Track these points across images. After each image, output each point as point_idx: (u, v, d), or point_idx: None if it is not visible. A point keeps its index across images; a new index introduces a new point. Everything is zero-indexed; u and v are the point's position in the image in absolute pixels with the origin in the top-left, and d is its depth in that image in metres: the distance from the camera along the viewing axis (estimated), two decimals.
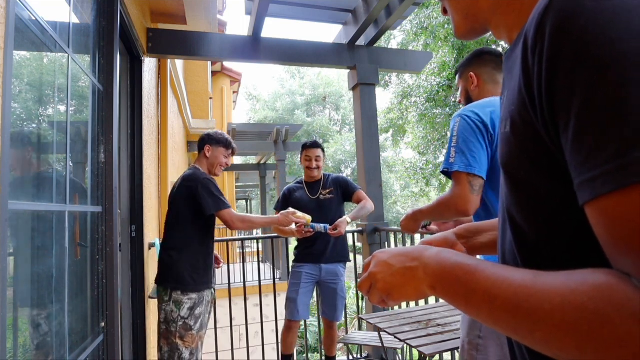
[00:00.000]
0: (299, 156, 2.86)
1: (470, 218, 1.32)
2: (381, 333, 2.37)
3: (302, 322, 2.86)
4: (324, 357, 2.87)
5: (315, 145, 2.73)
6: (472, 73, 1.40)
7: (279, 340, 2.79)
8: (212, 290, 2.22)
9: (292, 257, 2.81)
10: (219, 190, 2.09)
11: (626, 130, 0.30)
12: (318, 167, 2.70)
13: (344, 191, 2.73)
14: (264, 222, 2.28)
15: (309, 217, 2.31)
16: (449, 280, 0.43)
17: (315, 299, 2.93)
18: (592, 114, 0.32)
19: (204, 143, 2.24)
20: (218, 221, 2.17)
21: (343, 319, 3.12)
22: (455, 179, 1.20)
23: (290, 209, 2.29)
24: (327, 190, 2.73)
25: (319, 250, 2.64)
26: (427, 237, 0.76)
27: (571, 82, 0.33)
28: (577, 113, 0.33)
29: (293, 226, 2.47)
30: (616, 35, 0.32)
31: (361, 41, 3.22)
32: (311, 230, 2.47)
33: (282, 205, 2.72)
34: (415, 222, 1.42)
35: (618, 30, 0.32)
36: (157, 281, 2.09)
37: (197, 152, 8.39)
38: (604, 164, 0.31)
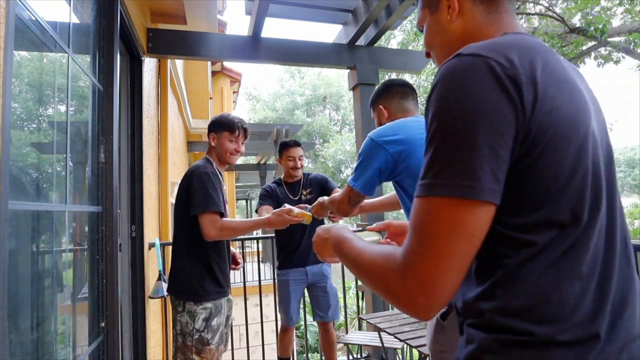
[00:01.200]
0: (277, 157, 2.80)
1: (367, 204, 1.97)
2: (381, 333, 2.37)
3: (302, 323, 2.85)
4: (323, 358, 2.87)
5: (296, 144, 2.69)
6: (381, 106, 1.53)
7: (277, 344, 2.76)
8: (229, 298, 1.98)
9: None
10: (215, 187, 1.79)
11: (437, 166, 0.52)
12: (301, 167, 2.69)
13: (323, 189, 2.70)
14: (250, 226, 1.88)
15: (308, 215, 1.97)
16: (337, 248, 0.72)
17: (308, 299, 2.91)
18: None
19: (208, 132, 1.98)
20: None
21: (343, 318, 3.11)
22: (345, 188, 1.47)
23: (286, 206, 1.97)
24: (308, 190, 2.69)
25: (303, 253, 2.59)
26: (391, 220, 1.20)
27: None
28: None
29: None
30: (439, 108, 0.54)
31: (361, 41, 3.22)
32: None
33: (269, 201, 2.61)
34: (323, 209, 1.79)
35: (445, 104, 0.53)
36: (168, 290, 1.89)
37: (197, 152, 8.30)
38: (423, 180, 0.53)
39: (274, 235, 2.93)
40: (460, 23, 0.68)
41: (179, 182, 1.91)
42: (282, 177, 2.78)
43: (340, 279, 3.36)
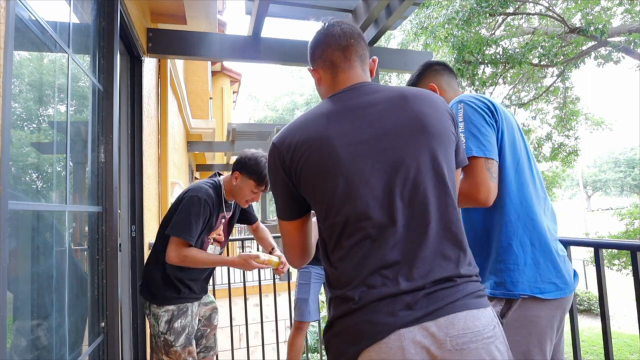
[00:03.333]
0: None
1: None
2: None
3: None
4: (325, 357, 2.87)
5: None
6: (431, 84, 1.36)
7: (287, 345, 2.72)
8: (208, 302, 2.05)
9: None
10: (199, 217, 1.76)
11: None
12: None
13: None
14: (213, 262, 1.82)
15: (275, 260, 1.89)
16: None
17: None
18: None
19: (235, 167, 1.87)
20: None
21: None
22: (472, 166, 1.07)
23: (253, 253, 1.90)
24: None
25: None
26: None
27: None
28: None
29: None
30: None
31: None
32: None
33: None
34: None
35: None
36: (139, 291, 1.95)
37: (197, 152, 8.29)
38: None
39: (273, 235, 2.92)
40: (322, 88, 1.02)
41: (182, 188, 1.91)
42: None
43: None
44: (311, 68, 1.02)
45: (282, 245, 1.02)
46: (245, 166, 1.83)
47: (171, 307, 1.83)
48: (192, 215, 1.74)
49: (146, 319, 1.89)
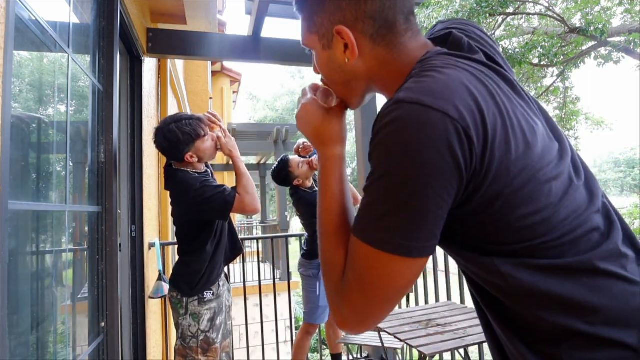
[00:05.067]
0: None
1: None
2: (381, 333, 2.36)
3: (302, 323, 2.85)
4: (328, 357, 2.87)
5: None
6: None
7: (293, 347, 2.71)
8: (229, 287, 2.03)
9: (292, 258, 2.79)
10: (206, 185, 1.79)
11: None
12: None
13: None
14: (244, 170, 1.83)
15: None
16: (331, 171, 0.65)
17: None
18: None
19: (176, 155, 1.80)
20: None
21: None
22: None
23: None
24: None
25: None
26: None
27: None
28: None
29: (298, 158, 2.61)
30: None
31: None
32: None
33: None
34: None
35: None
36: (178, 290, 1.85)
37: None
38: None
39: (274, 235, 2.93)
40: (361, 64, 0.61)
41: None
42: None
43: None
44: None
45: (362, 295, 0.54)
46: (182, 143, 1.75)
47: (213, 305, 1.80)
48: (206, 193, 1.71)
49: (177, 323, 1.80)
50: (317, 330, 2.81)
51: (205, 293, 1.80)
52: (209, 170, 2.00)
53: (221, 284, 1.90)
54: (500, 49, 7.77)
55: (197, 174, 1.82)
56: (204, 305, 1.78)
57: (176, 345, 1.80)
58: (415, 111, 0.47)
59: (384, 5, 0.57)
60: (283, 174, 2.60)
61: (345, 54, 0.60)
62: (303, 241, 2.78)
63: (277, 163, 2.68)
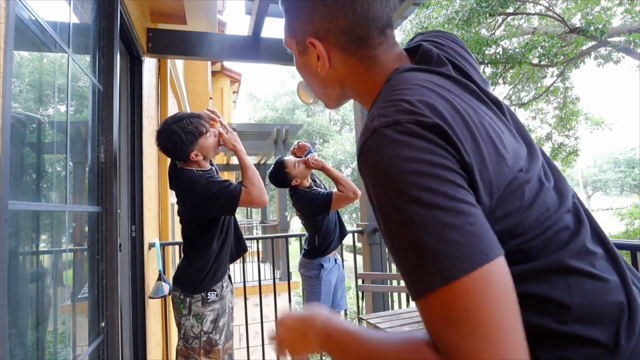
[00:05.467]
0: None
1: None
2: None
3: None
4: (327, 357, 2.87)
5: None
6: None
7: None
8: (232, 288, 2.02)
9: (292, 258, 2.79)
10: (212, 182, 1.77)
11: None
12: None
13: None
14: (249, 164, 1.85)
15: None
16: (331, 342, 0.55)
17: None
18: None
19: (183, 154, 1.78)
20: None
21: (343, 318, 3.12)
22: None
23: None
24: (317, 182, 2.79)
25: (333, 238, 2.63)
26: None
27: None
28: None
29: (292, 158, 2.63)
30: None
31: None
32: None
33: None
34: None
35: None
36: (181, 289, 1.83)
37: None
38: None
39: (274, 235, 2.93)
40: (334, 73, 0.63)
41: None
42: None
43: None
44: None
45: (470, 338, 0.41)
46: (185, 143, 1.74)
47: (217, 307, 1.78)
48: (212, 188, 1.70)
49: (180, 323, 1.78)
50: None
51: (209, 294, 1.78)
52: (213, 167, 1.99)
53: (224, 285, 1.89)
54: (501, 50, 7.77)
55: (202, 172, 1.81)
56: (207, 307, 1.76)
57: (178, 345, 1.79)
58: (388, 135, 0.47)
59: (356, 22, 0.57)
60: (280, 176, 2.60)
61: (318, 63, 0.62)
62: (304, 240, 2.78)
63: (273, 165, 2.68)
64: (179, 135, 1.73)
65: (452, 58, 0.62)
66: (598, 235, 0.55)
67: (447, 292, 0.40)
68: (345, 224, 2.87)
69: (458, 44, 0.69)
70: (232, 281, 2.07)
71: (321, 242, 2.59)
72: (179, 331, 1.80)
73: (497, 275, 0.41)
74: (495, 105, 0.58)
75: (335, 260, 2.67)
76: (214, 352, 1.76)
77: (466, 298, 0.40)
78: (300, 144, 2.69)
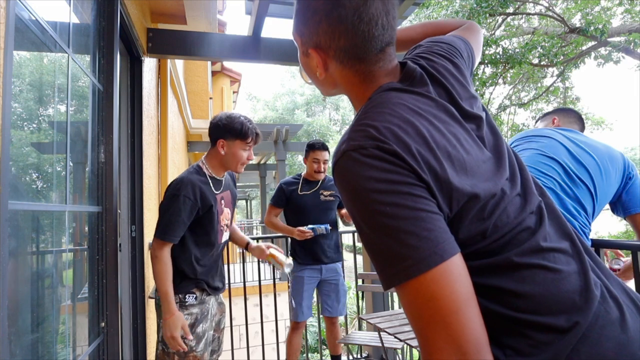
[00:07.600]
0: (303, 156, 2.86)
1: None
2: (381, 333, 2.36)
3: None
4: (327, 357, 2.87)
5: (323, 147, 2.73)
6: (554, 117, 1.75)
7: (285, 344, 2.77)
8: (221, 301, 1.93)
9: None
10: (178, 213, 1.62)
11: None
12: (324, 171, 2.73)
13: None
14: (162, 281, 1.64)
15: (282, 262, 1.94)
16: None
17: (315, 298, 2.93)
18: None
19: (216, 136, 1.74)
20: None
21: (343, 318, 3.12)
22: None
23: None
24: (329, 193, 2.75)
25: (321, 250, 2.66)
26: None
27: None
28: None
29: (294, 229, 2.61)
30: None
31: None
32: (312, 233, 2.52)
33: (281, 202, 2.76)
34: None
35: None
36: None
37: (197, 152, 8.26)
38: None
39: (273, 235, 2.93)
40: (329, 77, 0.70)
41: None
42: (303, 173, 2.83)
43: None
44: None
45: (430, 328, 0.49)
46: (223, 130, 1.72)
47: (195, 310, 1.71)
48: (173, 214, 1.62)
49: (159, 325, 1.69)
50: (317, 330, 2.82)
51: (187, 296, 1.71)
52: (226, 179, 1.88)
53: (208, 295, 1.80)
54: (501, 50, 7.76)
55: (198, 178, 1.71)
56: (184, 310, 1.68)
57: (157, 349, 1.71)
58: (355, 157, 0.54)
59: (356, 44, 0.62)
60: None
61: (317, 68, 0.68)
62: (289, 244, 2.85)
63: None
64: (230, 120, 1.73)
65: (439, 75, 0.67)
66: (565, 232, 0.60)
67: (409, 287, 0.49)
68: (345, 224, 2.90)
69: (454, 53, 0.73)
70: (227, 283, 2.01)
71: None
72: (158, 334, 1.71)
73: (451, 272, 0.48)
74: (473, 120, 0.63)
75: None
76: (189, 358, 1.67)
77: (425, 292, 0.48)
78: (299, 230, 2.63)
